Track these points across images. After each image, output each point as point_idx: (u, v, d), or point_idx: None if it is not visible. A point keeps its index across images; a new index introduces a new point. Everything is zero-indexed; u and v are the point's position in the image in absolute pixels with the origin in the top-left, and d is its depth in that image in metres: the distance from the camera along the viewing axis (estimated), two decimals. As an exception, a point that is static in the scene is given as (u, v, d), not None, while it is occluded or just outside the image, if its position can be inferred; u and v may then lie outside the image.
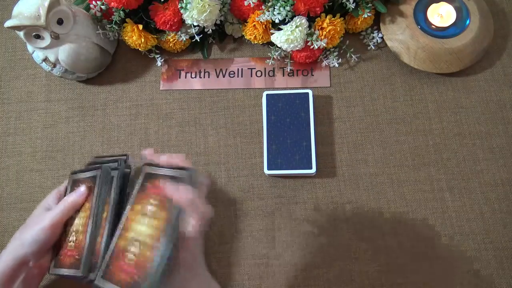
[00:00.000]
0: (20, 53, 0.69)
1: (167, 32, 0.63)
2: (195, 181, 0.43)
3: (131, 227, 0.43)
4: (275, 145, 0.59)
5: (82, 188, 0.47)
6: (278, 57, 0.65)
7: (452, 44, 0.61)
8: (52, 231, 0.45)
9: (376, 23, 0.66)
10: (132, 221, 0.43)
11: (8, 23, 0.54)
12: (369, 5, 0.61)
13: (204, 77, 0.66)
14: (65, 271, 0.45)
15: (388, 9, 0.63)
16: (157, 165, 0.45)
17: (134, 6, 0.59)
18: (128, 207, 0.44)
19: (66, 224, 0.47)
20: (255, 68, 0.66)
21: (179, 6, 0.59)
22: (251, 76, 0.66)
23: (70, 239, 0.46)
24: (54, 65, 0.60)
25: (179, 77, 0.66)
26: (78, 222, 0.47)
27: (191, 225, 0.40)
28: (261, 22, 0.60)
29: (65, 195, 0.49)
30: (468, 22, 0.61)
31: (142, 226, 0.43)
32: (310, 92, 0.61)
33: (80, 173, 0.50)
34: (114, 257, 0.42)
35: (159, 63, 0.66)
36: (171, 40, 0.63)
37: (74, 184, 0.50)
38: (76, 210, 0.47)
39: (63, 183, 0.52)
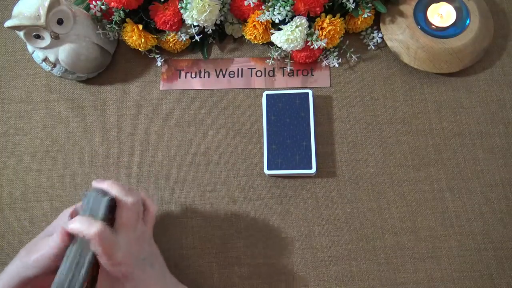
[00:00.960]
0: (20, 53, 0.69)
1: (167, 32, 0.63)
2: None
3: None
4: (275, 145, 0.59)
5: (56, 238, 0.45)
6: (278, 57, 0.65)
7: (452, 44, 0.61)
8: (50, 260, 0.44)
9: (376, 23, 0.66)
10: None
11: (8, 23, 0.54)
12: (369, 5, 0.61)
13: (204, 77, 0.66)
14: None
15: (388, 9, 0.63)
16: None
17: (134, 6, 0.59)
18: None
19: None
20: (255, 68, 0.66)
21: (179, 6, 0.59)
22: (251, 76, 0.66)
23: None
24: (54, 65, 0.60)
25: (179, 77, 0.66)
26: None
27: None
28: (261, 22, 0.60)
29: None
30: (468, 22, 0.61)
31: None
32: (310, 92, 0.61)
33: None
34: None
35: (159, 63, 0.66)
36: (171, 40, 0.63)
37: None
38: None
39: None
